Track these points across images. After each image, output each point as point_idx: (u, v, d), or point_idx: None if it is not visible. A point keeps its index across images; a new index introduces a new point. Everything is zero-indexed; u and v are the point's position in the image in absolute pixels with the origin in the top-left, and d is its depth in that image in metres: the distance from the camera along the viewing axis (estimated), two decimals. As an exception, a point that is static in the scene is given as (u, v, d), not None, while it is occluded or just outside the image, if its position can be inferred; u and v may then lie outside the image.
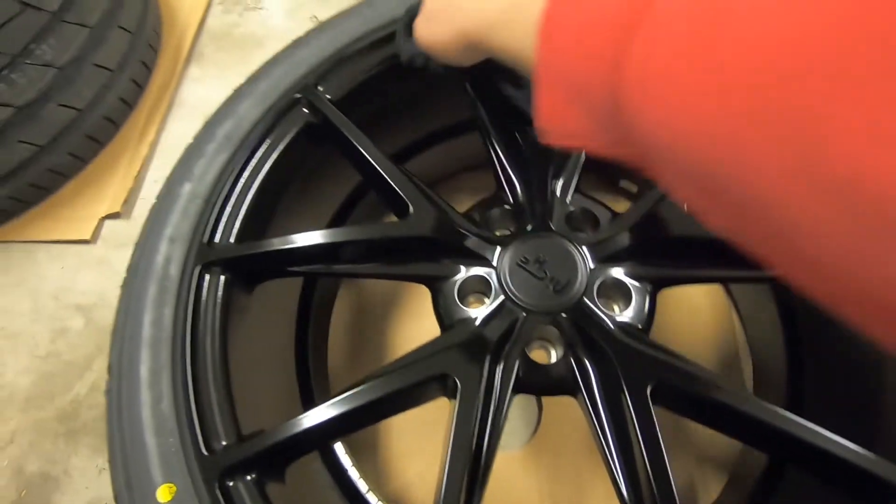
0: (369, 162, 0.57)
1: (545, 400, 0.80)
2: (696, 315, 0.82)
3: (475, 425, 0.47)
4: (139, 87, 1.09)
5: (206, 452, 0.44)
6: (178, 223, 0.54)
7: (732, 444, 0.74)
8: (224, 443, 0.45)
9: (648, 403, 0.44)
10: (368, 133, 0.58)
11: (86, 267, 0.97)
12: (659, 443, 0.42)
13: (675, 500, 0.40)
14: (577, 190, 0.60)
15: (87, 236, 0.97)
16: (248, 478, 0.45)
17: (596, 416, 0.47)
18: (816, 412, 0.59)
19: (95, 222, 0.98)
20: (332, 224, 0.75)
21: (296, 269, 0.55)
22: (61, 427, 0.85)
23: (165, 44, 1.18)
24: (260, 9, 1.27)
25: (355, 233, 0.53)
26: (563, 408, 0.77)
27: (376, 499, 0.62)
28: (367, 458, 0.70)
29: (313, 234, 0.53)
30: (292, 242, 0.53)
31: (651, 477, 0.41)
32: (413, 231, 0.54)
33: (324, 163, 0.70)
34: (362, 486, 0.62)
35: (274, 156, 0.59)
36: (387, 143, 0.69)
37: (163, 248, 0.53)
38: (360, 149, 0.57)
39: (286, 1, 1.28)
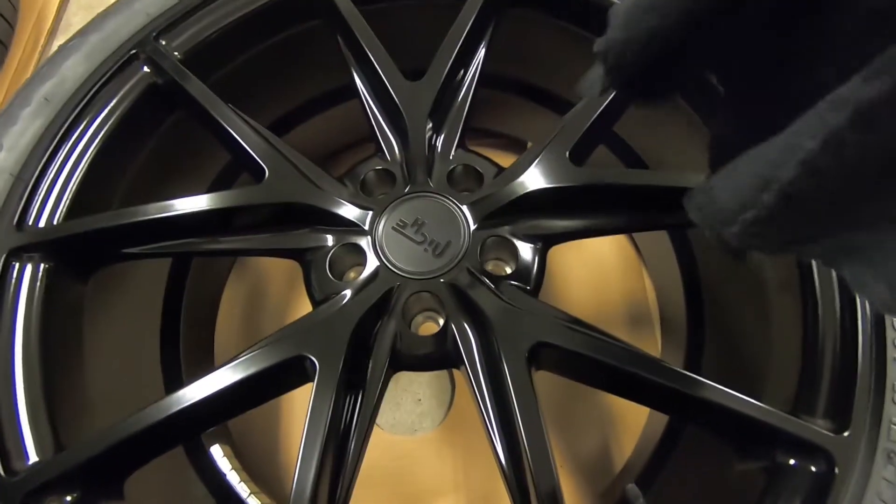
0: (216, 121, 0.49)
1: (458, 376, 0.76)
2: (605, 272, 0.79)
3: (343, 411, 0.41)
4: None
5: (2, 474, 0.36)
6: (-19, 203, 0.45)
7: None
8: (31, 460, 0.38)
9: (525, 368, 0.40)
10: (235, 99, 0.51)
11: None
12: (536, 411, 0.38)
13: (553, 474, 0.36)
14: (461, 145, 0.55)
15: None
16: (68, 498, 0.38)
17: (477, 388, 0.43)
18: (714, 367, 0.58)
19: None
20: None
21: (135, 249, 0.47)
22: None
23: (26, 14, 1.04)
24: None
25: (197, 203, 0.45)
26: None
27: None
28: (256, 461, 0.64)
29: (147, 206, 0.45)
30: (123, 218, 0.45)
31: (527, 448, 0.37)
32: (270, 197, 0.47)
33: (192, 131, 0.61)
34: (243, 490, 0.56)
35: (111, 121, 0.51)
36: (260, 110, 0.61)
37: (-39, 233, 0.44)
38: (204, 106, 0.50)
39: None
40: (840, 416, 0.37)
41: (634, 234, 0.78)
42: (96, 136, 0.51)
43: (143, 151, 0.56)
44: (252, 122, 0.52)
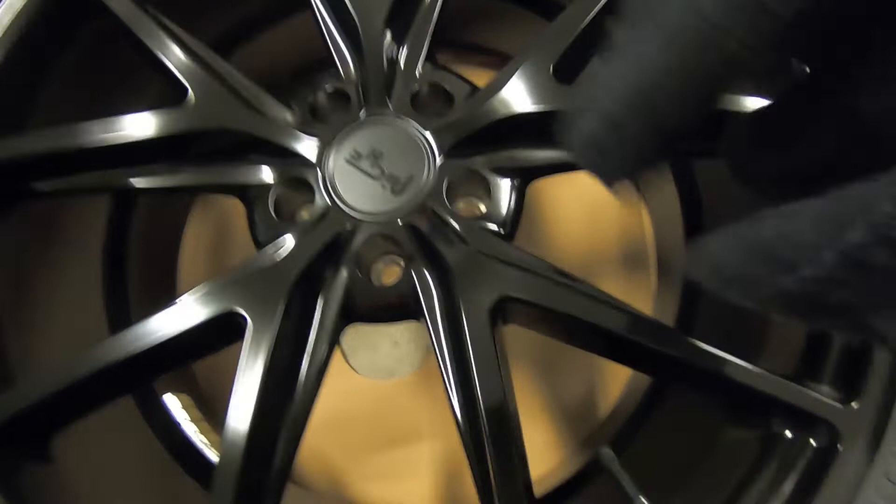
0: (130, 31, 0.41)
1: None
2: (600, 207, 0.72)
3: (282, 370, 0.37)
4: None
5: None
6: None
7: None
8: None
9: (488, 324, 0.35)
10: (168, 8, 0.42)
11: None
12: (497, 373, 0.33)
13: (512, 442, 0.32)
14: (430, 60, 0.46)
15: None
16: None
17: (437, 343, 0.38)
18: (712, 317, 0.53)
19: None
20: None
21: (42, 184, 0.41)
22: None
23: None
24: None
25: (104, 128, 0.38)
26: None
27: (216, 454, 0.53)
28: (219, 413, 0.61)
29: (46, 133, 0.38)
30: (15, 149, 0.38)
31: (484, 415, 0.32)
32: (192, 122, 0.40)
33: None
34: (201, 443, 0.53)
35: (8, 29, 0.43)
36: (201, 25, 0.52)
37: None
38: (114, 12, 0.41)
39: None
40: (851, 383, 0.32)
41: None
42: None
43: (59, 68, 0.48)
44: (183, 34, 0.43)
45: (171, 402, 0.54)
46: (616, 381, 0.67)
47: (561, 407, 0.68)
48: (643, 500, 0.39)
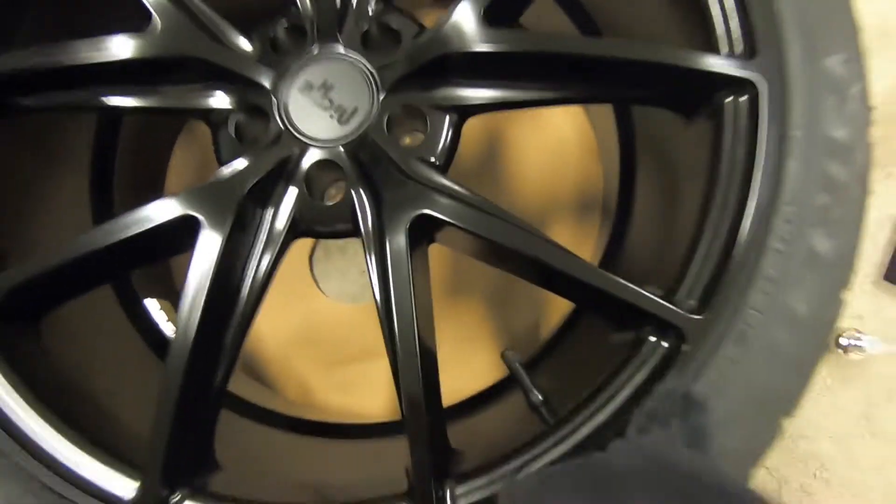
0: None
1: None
2: (562, 155, 0.77)
3: (230, 273, 0.43)
4: None
5: None
6: None
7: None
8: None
9: (404, 239, 0.41)
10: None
11: None
12: (406, 281, 0.39)
13: (418, 349, 0.38)
14: None
15: None
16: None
17: (367, 255, 0.44)
18: (632, 253, 0.58)
19: None
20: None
21: (27, 101, 0.46)
22: None
23: None
24: None
25: (76, 49, 0.43)
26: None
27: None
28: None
29: (24, 51, 0.43)
30: None
31: (396, 321, 0.39)
32: (157, 50, 0.44)
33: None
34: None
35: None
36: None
37: None
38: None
39: None
40: (704, 299, 0.38)
41: (592, 116, 0.74)
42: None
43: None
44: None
45: (152, 305, 0.61)
46: (557, 312, 0.74)
47: (506, 333, 0.75)
48: (536, 393, 0.47)
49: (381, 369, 0.77)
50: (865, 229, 0.72)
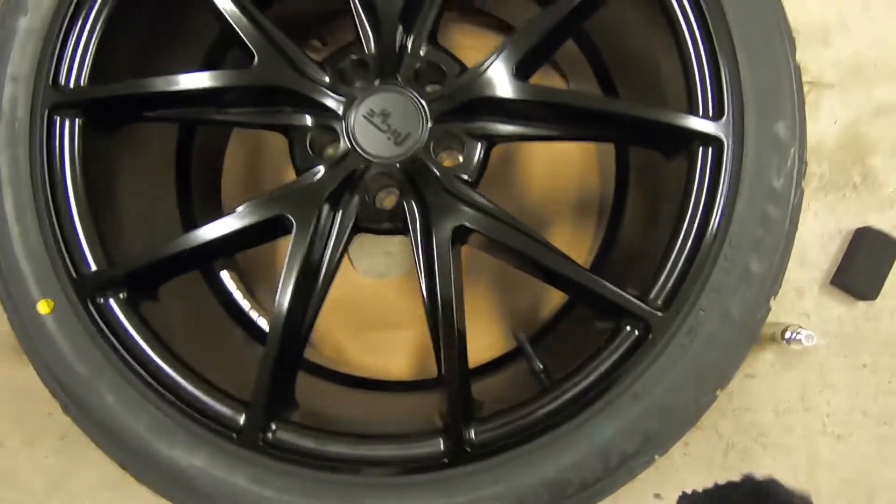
0: (214, 4, 0.56)
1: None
2: (566, 165, 0.88)
3: (312, 258, 0.56)
4: None
5: (75, 275, 0.52)
6: (19, 61, 0.54)
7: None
8: (93, 267, 0.53)
9: (448, 242, 0.54)
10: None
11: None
12: (450, 275, 0.53)
13: (454, 324, 0.52)
14: (430, 42, 0.61)
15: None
16: (120, 295, 0.54)
17: (415, 251, 0.57)
18: (618, 259, 0.71)
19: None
20: (206, 66, 0.74)
21: (151, 113, 0.58)
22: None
23: None
24: None
25: (201, 80, 0.54)
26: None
27: (257, 315, 0.74)
28: (258, 285, 0.82)
29: (158, 79, 0.54)
30: (138, 87, 0.54)
31: (440, 304, 0.52)
32: (257, 80, 0.56)
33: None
34: (245, 305, 0.74)
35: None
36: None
37: (6, 88, 0.54)
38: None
39: None
40: (668, 301, 0.52)
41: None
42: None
43: (145, 21, 0.63)
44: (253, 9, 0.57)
45: (225, 276, 0.74)
46: (556, 296, 0.87)
47: (510, 314, 0.88)
48: (538, 363, 0.61)
49: (406, 335, 0.91)
50: (818, 241, 0.85)
